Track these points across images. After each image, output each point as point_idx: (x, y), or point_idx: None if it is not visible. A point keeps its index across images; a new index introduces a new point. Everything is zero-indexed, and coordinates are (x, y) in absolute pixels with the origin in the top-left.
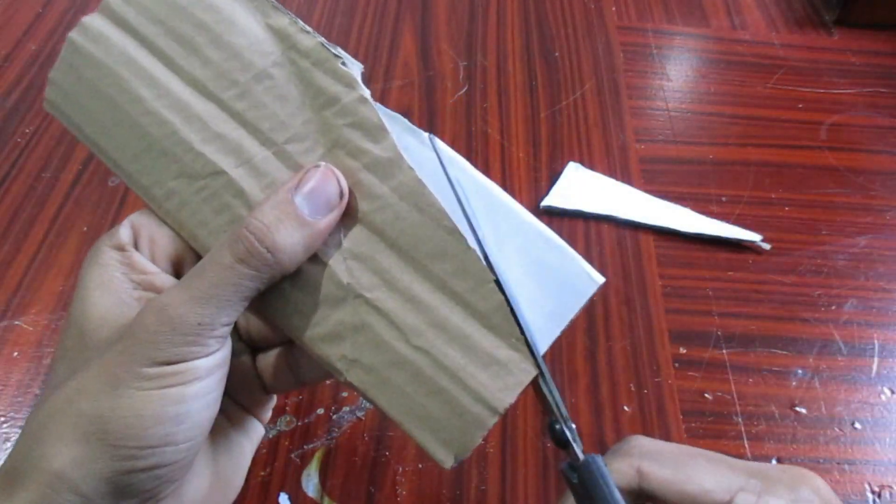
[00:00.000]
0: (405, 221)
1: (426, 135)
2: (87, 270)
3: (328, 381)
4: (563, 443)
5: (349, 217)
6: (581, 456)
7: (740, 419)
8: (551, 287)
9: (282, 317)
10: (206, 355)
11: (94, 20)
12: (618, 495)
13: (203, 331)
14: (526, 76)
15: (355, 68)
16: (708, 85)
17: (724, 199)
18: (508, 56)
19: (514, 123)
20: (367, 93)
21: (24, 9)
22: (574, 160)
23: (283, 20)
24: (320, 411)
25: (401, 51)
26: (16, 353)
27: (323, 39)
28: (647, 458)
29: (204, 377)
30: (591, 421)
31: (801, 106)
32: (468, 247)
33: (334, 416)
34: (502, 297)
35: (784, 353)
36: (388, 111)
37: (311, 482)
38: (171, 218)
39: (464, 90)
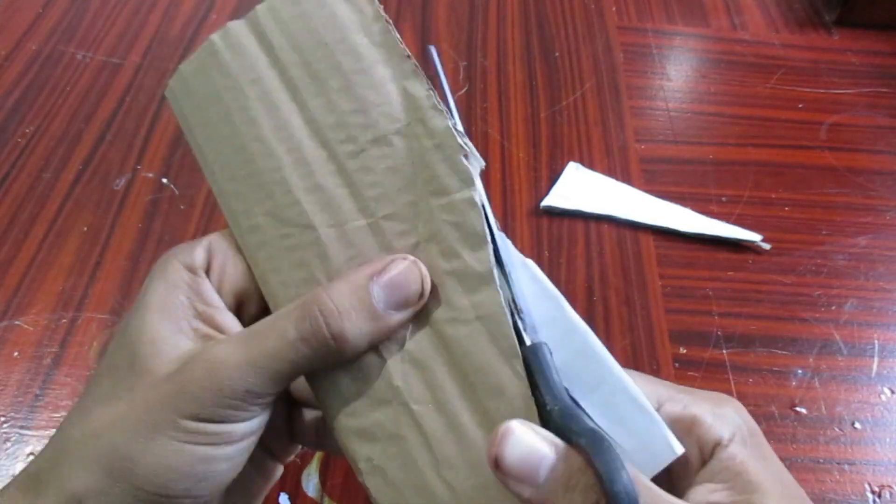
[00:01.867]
0: (475, 344)
1: (529, 261)
2: (155, 283)
3: None
4: (517, 331)
5: (421, 316)
6: (528, 342)
7: None
8: (628, 447)
9: (322, 393)
10: (246, 420)
11: (238, 28)
12: (556, 380)
13: (249, 398)
14: (526, 76)
15: (476, 165)
16: (708, 85)
17: (724, 199)
18: (508, 56)
19: (514, 123)
20: (481, 196)
21: (24, 9)
22: (574, 160)
23: (421, 90)
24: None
25: None
26: (16, 353)
27: (455, 123)
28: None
29: (237, 441)
30: None
31: (801, 106)
32: (530, 395)
33: None
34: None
35: (784, 353)
36: (501, 234)
37: (311, 482)
38: (249, 252)
39: (464, 90)
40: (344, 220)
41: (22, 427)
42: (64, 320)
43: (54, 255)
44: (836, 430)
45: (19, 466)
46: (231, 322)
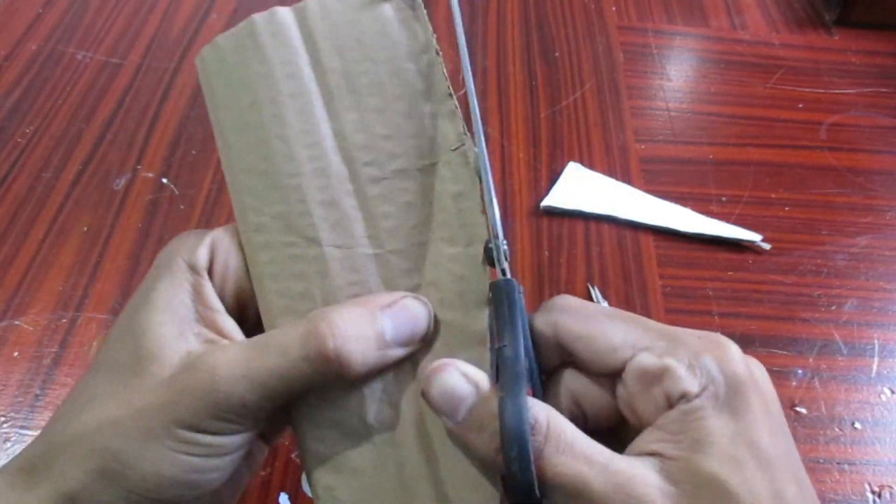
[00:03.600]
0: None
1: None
2: (158, 281)
3: None
4: (491, 260)
5: (408, 360)
6: (501, 277)
7: None
8: None
9: (295, 414)
10: (239, 433)
11: (284, 15)
12: (519, 322)
13: (245, 412)
14: (526, 76)
15: (494, 211)
16: (708, 85)
17: (724, 199)
18: (508, 56)
19: (514, 123)
20: (503, 253)
21: (25, 9)
22: (574, 160)
23: (455, 133)
24: None
25: None
26: (16, 354)
27: (485, 170)
28: (565, 313)
29: (230, 453)
30: None
31: (801, 106)
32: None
33: None
34: None
35: (784, 353)
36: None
37: None
38: (250, 250)
39: (464, 90)
40: (352, 244)
41: (22, 427)
42: (64, 320)
43: (54, 255)
44: (836, 430)
45: None
46: (232, 327)
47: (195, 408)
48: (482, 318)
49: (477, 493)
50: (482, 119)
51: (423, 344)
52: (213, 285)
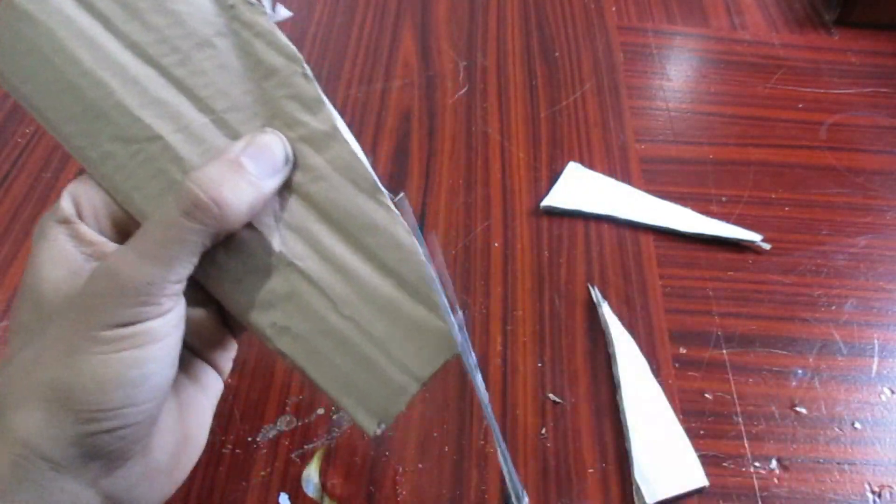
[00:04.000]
0: (339, 193)
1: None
2: (36, 248)
3: None
4: None
5: (285, 187)
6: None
7: (740, 419)
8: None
9: (214, 283)
10: (160, 315)
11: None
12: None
13: (153, 290)
14: (526, 76)
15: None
16: (708, 85)
17: (724, 199)
18: (508, 56)
19: (514, 123)
20: (306, 69)
21: None
22: (574, 160)
23: None
24: (320, 411)
25: (401, 51)
26: None
27: (266, 8)
28: None
29: (161, 339)
30: (592, 422)
31: (801, 106)
32: (398, 220)
33: (334, 417)
34: (431, 271)
35: (784, 353)
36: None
37: (311, 482)
38: (107, 181)
39: (464, 90)
40: (188, 123)
41: None
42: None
43: None
44: (836, 430)
45: None
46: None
47: (103, 306)
48: (327, 118)
49: (400, 251)
50: (482, 119)
51: (289, 167)
52: (90, 226)
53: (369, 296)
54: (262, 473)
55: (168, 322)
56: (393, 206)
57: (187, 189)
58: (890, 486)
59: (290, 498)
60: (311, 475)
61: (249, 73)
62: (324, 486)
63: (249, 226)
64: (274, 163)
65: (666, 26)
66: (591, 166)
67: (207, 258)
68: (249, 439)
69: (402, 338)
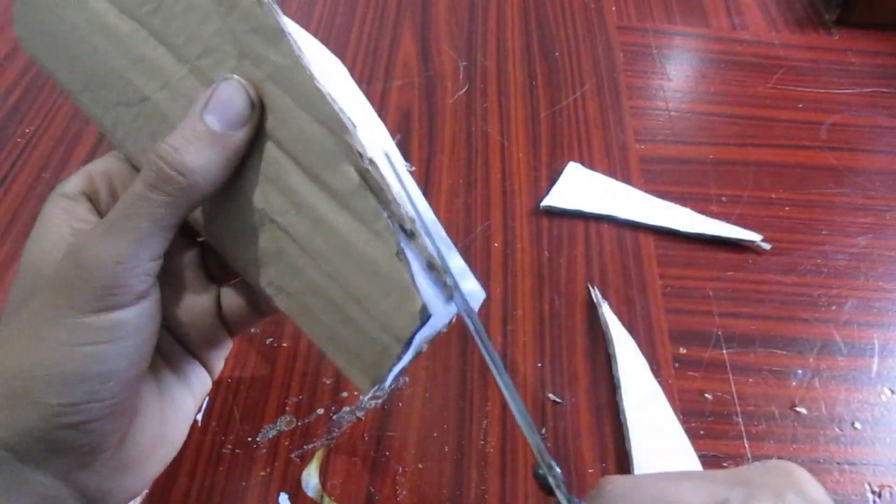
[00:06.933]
0: (306, 135)
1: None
2: (37, 221)
3: (328, 381)
4: (547, 489)
5: (262, 135)
6: None
7: (740, 419)
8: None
9: (220, 242)
10: (132, 303)
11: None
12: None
13: (123, 270)
14: (526, 76)
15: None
16: (708, 85)
17: (724, 199)
18: (508, 56)
19: (514, 123)
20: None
21: None
22: (574, 160)
23: None
24: (320, 411)
25: (401, 51)
26: None
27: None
28: (628, 498)
29: (130, 335)
30: (592, 422)
31: (801, 106)
32: (367, 158)
33: (334, 416)
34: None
35: (784, 353)
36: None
37: (311, 482)
38: (122, 148)
39: (464, 90)
40: (169, 78)
41: None
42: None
43: None
44: (836, 430)
45: None
46: None
47: (71, 288)
48: (288, 51)
49: (363, 200)
50: (482, 119)
51: (258, 112)
52: (102, 200)
53: (346, 250)
54: (262, 473)
55: (140, 314)
56: (358, 143)
57: (150, 162)
58: (890, 486)
59: (290, 498)
60: (311, 475)
61: (215, 9)
62: (324, 486)
63: (238, 183)
64: (239, 113)
65: (666, 26)
66: (591, 166)
67: (211, 221)
68: (249, 439)
69: (380, 296)
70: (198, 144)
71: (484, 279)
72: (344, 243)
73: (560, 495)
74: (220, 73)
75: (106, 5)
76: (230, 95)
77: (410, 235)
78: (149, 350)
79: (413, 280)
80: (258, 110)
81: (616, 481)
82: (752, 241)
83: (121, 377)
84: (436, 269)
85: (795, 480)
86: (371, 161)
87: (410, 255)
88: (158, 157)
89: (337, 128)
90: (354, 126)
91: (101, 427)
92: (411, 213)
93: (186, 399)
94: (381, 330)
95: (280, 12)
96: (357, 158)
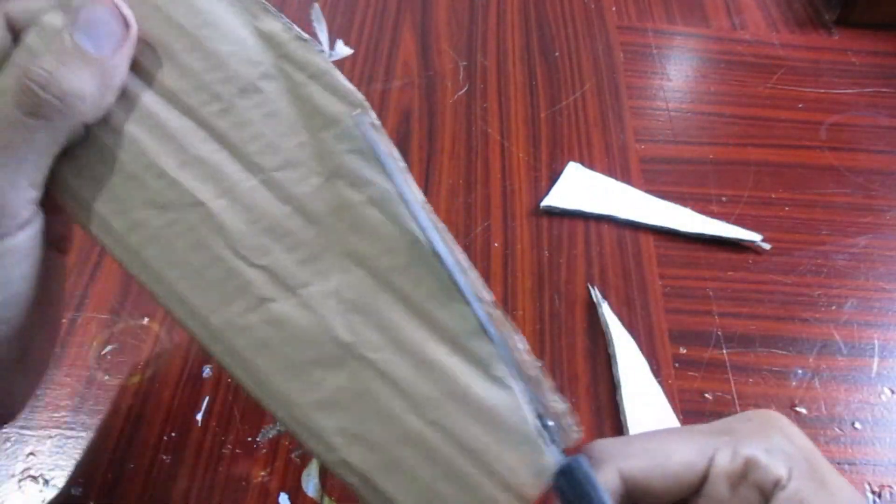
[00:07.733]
0: (414, 270)
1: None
2: None
3: None
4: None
5: (353, 258)
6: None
7: None
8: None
9: (265, 380)
10: (16, 229)
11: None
12: (606, 498)
13: (5, 200)
14: (526, 76)
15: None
16: (708, 85)
17: (724, 199)
18: (508, 56)
19: (514, 123)
20: (373, 117)
21: None
22: (574, 160)
23: (275, 25)
24: None
25: (401, 51)
26: None
27: (322, 45)
28: (620, 458)
29: (18, 263)
30: (592, 421)
31: (801, 106)
32: (490, 301)
33: None
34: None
35: (784, 353)
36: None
37: (311, 482)
38: (131, 258)
39: (464, 90)
40: (232, 186)
41: (22, 427)
42: (63, 320)
43: None
44: (836, 430)
45: (19, 466)
46: None
47: None
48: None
49: (481, 343)
50: (482, 119)
51: (133, 32)
52: None
53: (458, 395)
54: (262, 473)
55: (24, 240)
56: (477, 281)
57: (24, 87)
58: (890, 486)
59: (289, 498)
60: (311, 475)
61: (304, 123)
62: (324, 486)
63: (305, 309)
64: (110, 30)
65: (666, 26)
66: (591, 166)
67: (274, 369)
68: (249, 439)
69: (502, 447)
70: (72, 66)
71: (484, 279)
72: (458, 388)
73: (552, 450)
74: (303, 189)
75: (152, 97)
76: (100, 15)
77: (534, 383)
78: (37, 274)
79: (538, 432)
80: (134, 28)
81: (604, 444)
82: (752, 241)
83: (12, 302)
84: (549, 416)
85: (777, 425)
86: (494, 303)
87: (530, 404)
88: (31, 80)
89: (441, 273)
90: (470, 264)
91: (6, 350)
92: (532, 358)
93: (56, 262)
94: (502, 488)
95: (384, 132)
96: (476, 300)
